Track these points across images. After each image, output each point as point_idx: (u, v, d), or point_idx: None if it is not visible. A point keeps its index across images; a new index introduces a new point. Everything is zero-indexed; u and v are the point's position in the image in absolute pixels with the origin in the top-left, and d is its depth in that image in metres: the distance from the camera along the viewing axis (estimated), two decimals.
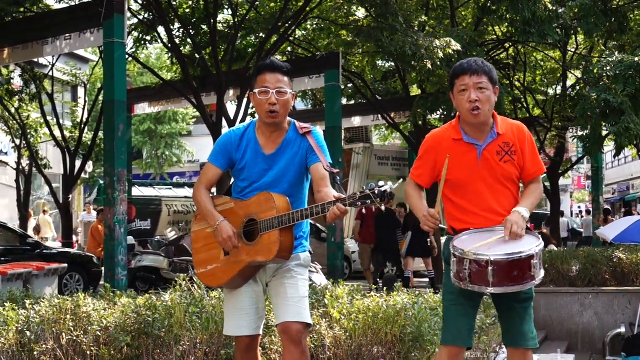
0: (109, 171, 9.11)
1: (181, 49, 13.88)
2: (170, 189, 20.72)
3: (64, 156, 16.19)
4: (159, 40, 14.54)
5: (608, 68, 10.31)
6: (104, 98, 10.35)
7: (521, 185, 3.54)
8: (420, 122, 14.66)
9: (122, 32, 9.35)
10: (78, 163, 16.56)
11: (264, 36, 13.67)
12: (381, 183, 3.09)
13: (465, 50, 11.05)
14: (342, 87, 15.02)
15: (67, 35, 10.18)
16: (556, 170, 17.10)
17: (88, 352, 4.42)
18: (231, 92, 14.42)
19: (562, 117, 15.78)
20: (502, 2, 11.38)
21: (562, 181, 21.73)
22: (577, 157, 22.56)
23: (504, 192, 3.40)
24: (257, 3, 14.28)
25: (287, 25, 13.43)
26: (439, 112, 13.57)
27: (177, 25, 14.08)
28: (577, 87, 13.66)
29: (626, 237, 8.53)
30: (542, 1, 11.03)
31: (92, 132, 17.09)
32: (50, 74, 16.70)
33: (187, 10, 14.18)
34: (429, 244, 11.51)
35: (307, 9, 13.29)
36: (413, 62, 11.19)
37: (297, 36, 16.30)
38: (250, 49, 14.91)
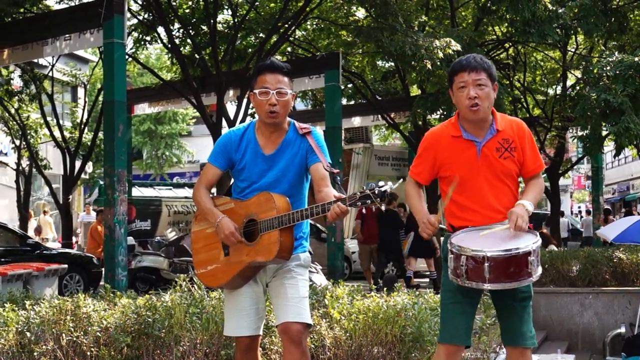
0: (109, 172, 9.11)
1: (181, 49, 13.88)
2: (170, 189, 20.71)
3: (64, 157, 16.19)
4: (159, 41, 14.54)
5: (608, 68, 10.31)
6: (103, 98, 10.35)
7: (521, 187, 3.54)
8: (420, 122, 14.66)
9: (122, 33, 9.35)
10: (78, 163, 16.55)
11: (263, 36, 13.67)
12: (381, 183, 3.09)
13: (465, 51, 11.04)
14: (342, 87, 15.03)
15: (67, 35, 10.18)
16: (556, 170, 17.10)
17: (88, 353, 4.41)
18: (231, 93, 14.43)
19: (562, 117, 15.78)
20: (502, 2, 11.39)
21: (562, 181, 21.72)
22: (577, 157, 22.57)
23: (503, 189, 3.40)
24: (257, 3, 14.28)
25: (287, 25, 13.43)
26: (438, 112, 13.57)
27: (176, 25, 14.08)
28: (577, 87, 13.66)
29: (626, 237, 8.53)
30: (542, 1, 11.03)
31: (92, 133, 17.08)
32: (50, 74, 16.70)
33: (187, 11, 14.18)
34: (431, 245, 11.52)
35: (307, 9, 13.29)
36: (413, 62, 11.20)
37: (297, 36, 16.30)
38: (250, 49, 14.91)
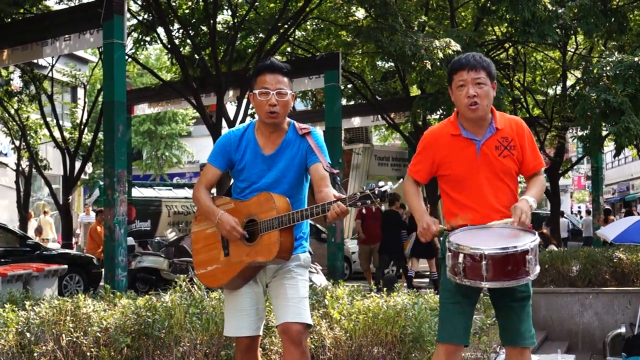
0: (109, 172, 9.11)
1: (181, 49, 13.88)
2: (170, 189, 20.70)
3: (64, 157, 16.19)
4: (159, 41, 14.54)
5: (608, 68, 10.31)
6: (103, 99, 10.36)
7: (521, 187, 3.54)
8: (420, 122, 14.67)
9: (122, 33, 9.35)
10: (78, 164, 16.56)
11: (263, 37, 13.68)
12: (381, 183, 3.09)
13: (465, 51, 11.04)
14: (342, 87, 15.03)
15: (67, 36, 10.18)
16: (556, 170, 17.11)
17: (88, 354, 4.41)
18: (231, 93, 14.43)
19: (562, 117, 15.79)
20: (502, 2, 11.39)
21: (562, 181, 21.73)
22: (577, 157, 22.58)
23: (502, 187, 3.40)
24: (257, 3, 14.28)
25: (286, 25, 13.44)
26: (438, 112, 13.58)
27: (176, 25, 14.09)
28: (577, 87, 13.66)
29: (626, 237, 8.53)
30: (541, 1, 11.04)
31: (92, 133, 17.09)
32: (50, 75, 16.70)
33: (187, 11, 14.19)
34: (432, 245, 11.52)
35: (307, 9, 13.29)
36: (413, 63, 11.21)
37: (296, 37, 16.31)
38: (249, 50, 14.91)
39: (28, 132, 17.14)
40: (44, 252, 11.53)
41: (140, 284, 11.62)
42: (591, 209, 20.80)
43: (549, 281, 8.89)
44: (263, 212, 3.32)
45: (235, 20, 13.73)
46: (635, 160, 32.77)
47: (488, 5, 12.48)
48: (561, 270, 8.93)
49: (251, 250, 3.33)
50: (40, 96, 16.50)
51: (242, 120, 12.96)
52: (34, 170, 17.50)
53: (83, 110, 17.65)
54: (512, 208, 3.29)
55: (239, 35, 14.05)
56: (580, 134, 12.03)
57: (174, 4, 13.80)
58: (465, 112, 3.37)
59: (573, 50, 16.34)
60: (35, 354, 4.32)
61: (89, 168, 23.98)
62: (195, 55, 13.71)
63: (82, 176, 19.91)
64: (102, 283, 10.57)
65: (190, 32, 13.71)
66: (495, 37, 15.73)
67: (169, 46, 13.57)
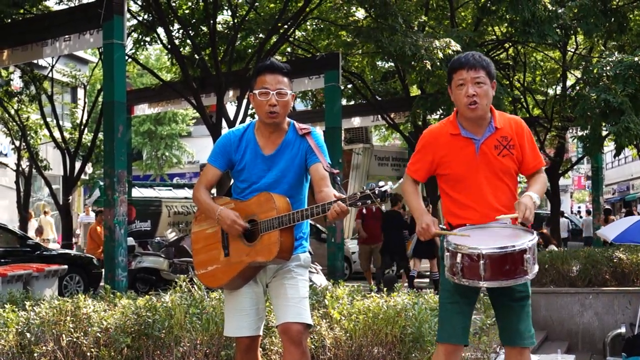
0: (109, 172, 9.11)
1: (181, 49, 13.89)
2: (170, 190, 20.70)
3: (64, 157, 16.19)
4: (159, 41, 14.54)
5: (608, 68, 10.31)
6: (103, 99, 10.36)
7: (520, 186, 3.54)
8: (419, 122, 14.67)
9: (122, 33, 9.35)
10: (78, 164, 16.56)
11: (263, 37, 13.68)
12: (381, 183, 3.09)
13: (465, 51, 11.05)
14: (342, 87, 15.03)
15: (67, 36, 10.19)
16: (556, 170, 17.10)
17: (88, 354, 4.41)
18: (231, 93, 14.43)
19: (562, 117, 15.80)
20: (502, 2, 11.40)
21: (562, 181, 21.74)
22: (577, 157, 22.58)
23: (501, 187, 3.40)
24: (257, 4, 14.29)
25: (286, 25, 13.44)
26: (438, 112, 13.58)
27: (176, 26, 14.09)
28: (577, 87, 13.67)
29: (626, 237, 8.53)
30: (541, 1, 11.05)
31: (92, 134, 17.09)
32: (50, 75, 16.70)
33: (187, 11, 14.19)
34: (434, 246, 11.51)
35: (307, 9, 13.29)
36: (413, 63, 11.22)
37: (296, 37, 16.31)
38: (249, 50, 14.92)
39: (28, 132, 17.14)
40: (44, 253, 11.52)
41: (140, 284, 11.61)
42: (591, 209, 20.80)
43: (549, 281, 8.89)
44: (263, 212, 3.32)
45: (235, 21, 13.73)
46: (635, 160, 32.78)
47: (488, 5, 12.48)
48: (561, 270, 8.93)
49: (251, 250, 3.34)
50: (40, 96, 16.50)
51: (242, 121, 12.96)
52: (34, 170, 17.50)
53: (83, 110, 17.66)
54: (515, 204, 3.28)
55: (239, 36, 14.05)
56: (580, 134, 12.03)
57: (174, 4, 13.81)
58: (465, 111, 3.37)
59: (573, 50, 16.35)
60: (35, 354, 4.32)
61: (89, 168, 23.99)
62: (195, 56, 13.72)
63: (82, 176, 19.92)
64: (102, 283, 10.57)
65: (190, 32, 13.72)
66: (495, 37, 15.74)
67: (169, 46, 13.57)
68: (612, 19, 12.53)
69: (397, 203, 12.19)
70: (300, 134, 3.45)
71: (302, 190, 3.51)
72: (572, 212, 37.57)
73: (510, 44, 15.32)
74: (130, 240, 12.49)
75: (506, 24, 13.39)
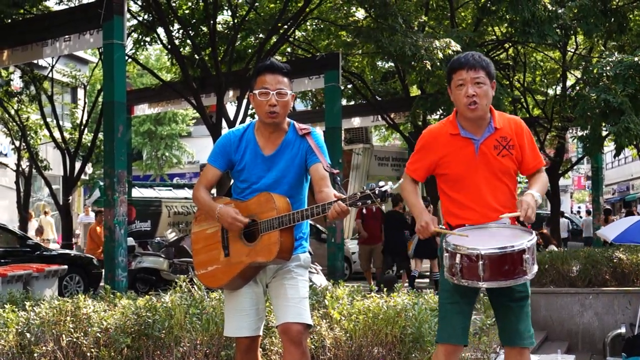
0: (109, 172, 9.11)
1: (181, 50, 13.89)
2: (170, 190, 20.71)
3: (64, 158, 16.19)
4: (159, 42, 14.55)
5: (608, 68, 10.32)
6: (103, 99, 10.36)
7: (520, 187, 3.54)
8: (419, 122, 14.68)
9: (122, 34, 9.35)
10: (78, 164, 16.56)
11: (263, 37, 13.69)
12: (381, 183, 3.09)
13: (465, 51, 11.06)
14: (342, 87, 15.04)
15: (67, 36, 10.19)
16: (556, 170, 17.11)
17: (88, 354, 4.41)
18: (231, 93, 14.43)
19: (562, 117, 15.80)
20: (502, 2, 11.40)
21: (562, 181, 21.74)
22: (577, 157, 22.59)
23: (501, 187, 3.40)
24: (257, 4, 14.29)
25: (286, 26, 13.44)
26: (438, 113, 13.59)
27: (176, 26, 14.10)
28: (577, 87, 13.68)
29: (626, 238, 8.53)
30: (541, 1, 11.05)
31: (92, 134, 17.09)
32: (50, 75, 16.70)
33: (187, 11, 14.20)
34: (435, 246, 11.52)
35: (307, 9, 13.30)
36: (413, 63, 11.22)
37: (296, 37, 16.31)
38: (249, 50, 14.92)
39: (28, 132, 17.14)
40: (44, 253, 11.52)
41: (140, 284, 11.61)
42: (591, 209, 20.81)
43: (549, 281, 8.89)
44: (263, 213, 3.32)
45: (235, 21, 13.73)
46: (635, 160, 32.78)
47: (488, 5, 12.49)
48: (561, 270, 8.93)
49: (251, 250, 3.34)
50: (40, 97, 16.50)
51: (242, 121, 12.96)
52: (34, 170, 17.50)
53: (83, 110, 17.66)
54: (517, 202, 3.28)
55: (239, 36, 14.06)
56: (580, 134, 12.04)
57: (174, 4, 13.81)
58: (464, 112, 3.37)
59: (573, 50, 16.36)
60: (35, 355, 4.32)
61: (89, 168, 23.99)
62: (195, 56, 13.72)
63: (82, 177, 19.91)
64: (102, 283, 10.57)
65: (190, 32, 13.73)
66: (495, 37, 15.74)
67: (169, 46, 13.57)
68: (612, 19, 12.54)
69: (399, 203, 12.19)
70: (300, 134, 3.45)
71: (302, 190, 3.51)
72: (572, 212, 37.59)
73: (510, 44, 15.32)
74: (130, 241, 12.48)
75: (506, 24, 13.39)
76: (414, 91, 17.19)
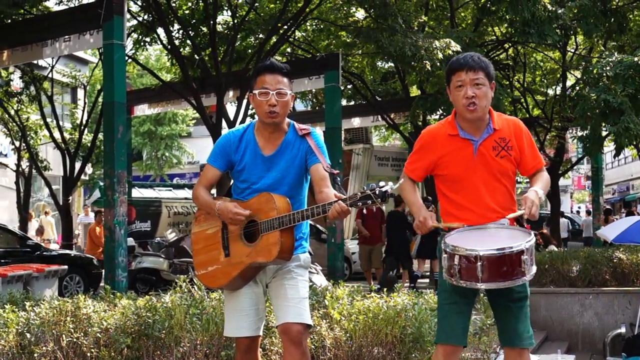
0: (109, 173, 9.10)
1: (181, 50, 13.89)
2: (170, 190, 20.72)
3: (64, 158, 16.19)
4: (159, 42, 14.55)
5: (607, 68, 10.32)
6: (103, 100, 10.36)
7: (520, 187, 3.53)
8: (419, 123, 14.68)
9: (122, 34, 9.35)
10: (78, 165, 16.56)
11: (263, 37, 13.69)
12: (382, 183, 3.09)
13: (465, 51, 11.06)
14: (342, 88, 15.04)
15: (67, 37, 10.18)
16: (556, 170, 17.11)
17: (88, 354, 4.41)
18: (231, 93, 14.43)
19: (562, 117, 15.81)
20: (502, 2, 11.41)
21: (562, 181, 21.75)
22: (577, 157, 22.60)
23: (499, 188, 3.40)
24: (257, 4, 14.30)
25: (286, 26, 13.44)
26: (438, 113, 13.59)
27: (176, 26, 14.10)
28: (577, 88, 13.69)
29: (626, 238, 8.54)
30: (541, 2, 11.05)
31: (92, 134, 17.09)
32: (50, 75, 16.70)
33: (187, 12, 14.20)
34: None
35: (307, 10, 13.30)
36: (412, 63, 11.22)
37: (296, 37, 16.32)
38: (249, 50, 14.92)
39: (28, 132, 17.14)
40: (44, 253, 11.52)
41: (140, 284, 11.61)
42: (591, 209, 20.81)
43: (549, 281, 8.90)
44: (263, 213, 3.32)
45: (235, 21, 13.73)
46: (635, 160, 32.78)
47: (488, 5, 12.49)
48: (561, 271, 8.94)
49: (251, 250, 3.34)
50: (40, 97, 16.50)
51: (242, 121, 12.96)
52: (34, 170, 17.50)
53: (83, 111, 17.66)
54: (521, 198, 3.28)
55: (238, 36, 14.05)
56: (580, 134, 12.05)
57: (174, 4, 13.81)
58: (463, 113, 3.37)
59: (573, 50, 16.36)
60: (35, 355, 4.33)
61: (89, 169, 24.00)
62: (195, 56, 13.72)
63: (82, 177, 19.92)
64: (102, 284, 10.57)
65: (190, 32, 13.72)
66: (495, 37, 15.74)
67: (169, 47, 13.57)
68: (612, 19, 12.55)
69: (401, 204, 12.19)
70: (300, 134, 3.45)
71: (302, 190, 3.51)
72: (571, 212, 37.60)
73: (510, 44, 15.32)
74: (130, 241, 12.50)
75: (506, 25, 13.40)
76: (414, 91, 17.19)
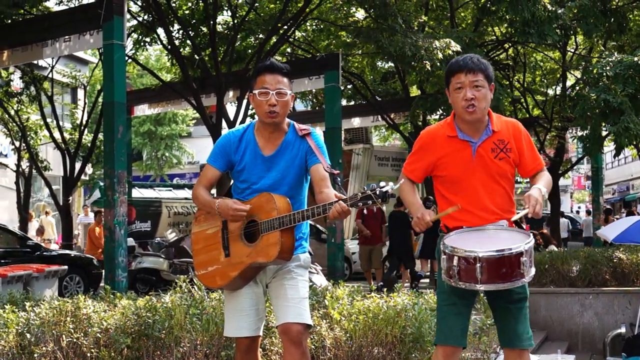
0: (109, 173, 9.11)
1: (181, 50, 13.89)
2: (170, 190, 20.71)
3: (64, 158, 16.20)
4: (159, 42, 14.55)
5: (607, 68, 10.32)
6: (103, 100, 10.36)
7: (520, 187, 3.53)
8: (419, 123, 14.68)
9: (122, 34, 9.35)
10: (78, 165, 16.56)
11: (263, 37, 13.69)
12: (382, 183, 3.09)
13: (465, 51, 11.07)
14: (342, 88, 15.04)
15: (67, 37, 10.19)
16: (556, 170, 17.11)
17: (88, 354, 4.41)
18: (231, 94, 14.43)
19: (562, 117, 15.81)
20: (502, 2, 11.41)
21: (562, 181, 21.76)
22: (577, 157, 22.59)
23: (498, 189, 3.40)
24: (257, 4, 14.30)
25: (286, 26, 13.44)
26: (438, 113, 13.59)
27: (176, 26, 14.10)
28: (577, 88, 13.69)
29: (626, 237, 8.54)
30: (541, 2, 11.05)
31: (92, 134, 17.09)
32: (50, 76, 16.70)
33: (187, 12, 14.20)
34: None
35: (307, 10, 13.30)
36: (412, 63, 11.22)
37: (296, 37, 16.32)
38: (249, 50, 14.93)
39: (28, 133, 17.14)
40: (44, 253, 11.52)
41: (140, 284, 11.61)
42: (591, 209, 20.81)
43: (549, 281, 8.90)
44: (264, 213, 3.32)
45: (235, 21, 13.73)
46: (635, 160, 32.78)
47: (488, 5, 12.49)
48: (561, 270, 8.94)
49: (252, 251, 3.34)
50: (40, 97, 16.51)
51: (242, 121, 12.96)
52: (34, 171, 17.50)
53: (83, 111, 17.66)
54: (525, 196, 3.26)
55: (238, 36, 14.06)
56: (580, 134, 12.05)
57: (174, 4, 13.81)
58: (463, 115, 3.37)
59: (573, 50, 16.36)
60: (35, 355, 4.33)
61: (89, 169, 24.00)
62: (195, 56, 13.72)
63: (82, 177, 19.92)
64: (102, 284, 10.57)
65: (190, 32, 13.73)
66: (495, 37, 15.74)
67: (169, 47, 13.57)
68: (612, 19, 12.55)
69: (403, 204, 12.20)
70: (300, 134, 3.45)
71: (302, 191, 3.51)
72: (571, 212, 37.60)
73: (510, 44, 15.33)
74: (131, 241, 12.49)
75: (506, 25, 13.40)
76: (414, 91, 17.19)
